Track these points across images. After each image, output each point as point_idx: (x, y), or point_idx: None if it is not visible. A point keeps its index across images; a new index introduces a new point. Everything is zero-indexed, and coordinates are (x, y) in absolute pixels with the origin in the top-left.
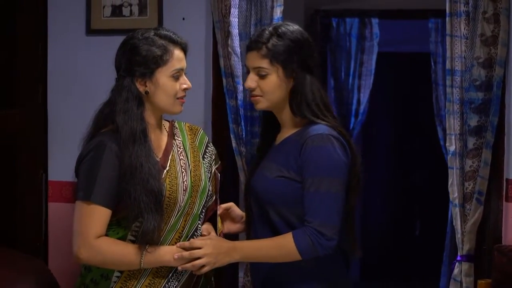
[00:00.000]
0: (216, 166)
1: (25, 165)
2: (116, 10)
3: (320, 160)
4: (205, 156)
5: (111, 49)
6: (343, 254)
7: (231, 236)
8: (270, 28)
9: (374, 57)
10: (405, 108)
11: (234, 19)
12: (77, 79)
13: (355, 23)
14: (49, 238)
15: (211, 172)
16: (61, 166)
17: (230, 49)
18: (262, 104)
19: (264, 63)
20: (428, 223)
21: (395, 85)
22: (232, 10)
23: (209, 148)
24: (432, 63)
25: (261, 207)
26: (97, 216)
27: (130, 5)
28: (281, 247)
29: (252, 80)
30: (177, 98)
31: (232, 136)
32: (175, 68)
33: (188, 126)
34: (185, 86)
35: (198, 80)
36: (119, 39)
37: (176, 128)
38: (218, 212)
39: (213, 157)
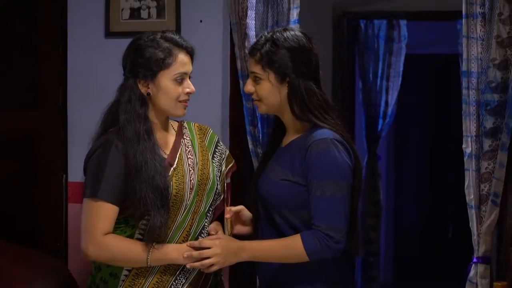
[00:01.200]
0: (231, 165)
1: (46, 166)
2: (135, 13)
3: (325, 164)
4: (215, 155)
5: None
6: (348, 256)
7: (240, 237)
8: (268, 35)
9: (402, 58)
10: (434, 109)
11: (251, 21)
12: (96, 81)
13: (383, 25)
14: (69, 238)
15: (221, 171)
16: (81, 167)
17: (247, 51)
18: (261, 108)
19: (257, 69)
20: (461, 226)
21: (423, 87)
22: (249, 12)
23: (218, 148)
24: (461, 65)
25: (266, 209)
26: (104, 212)
27: (148, 7)
28: (290, 248)
29: (248, 85)
30: (180, 102)
31: (249, 137)
32: (178, 71)
33: (197, 126)
34: (188, 90)
35: (215, 82)
36: None
37: (185, 127)
38: (228, 216)
39: (223, 156)
